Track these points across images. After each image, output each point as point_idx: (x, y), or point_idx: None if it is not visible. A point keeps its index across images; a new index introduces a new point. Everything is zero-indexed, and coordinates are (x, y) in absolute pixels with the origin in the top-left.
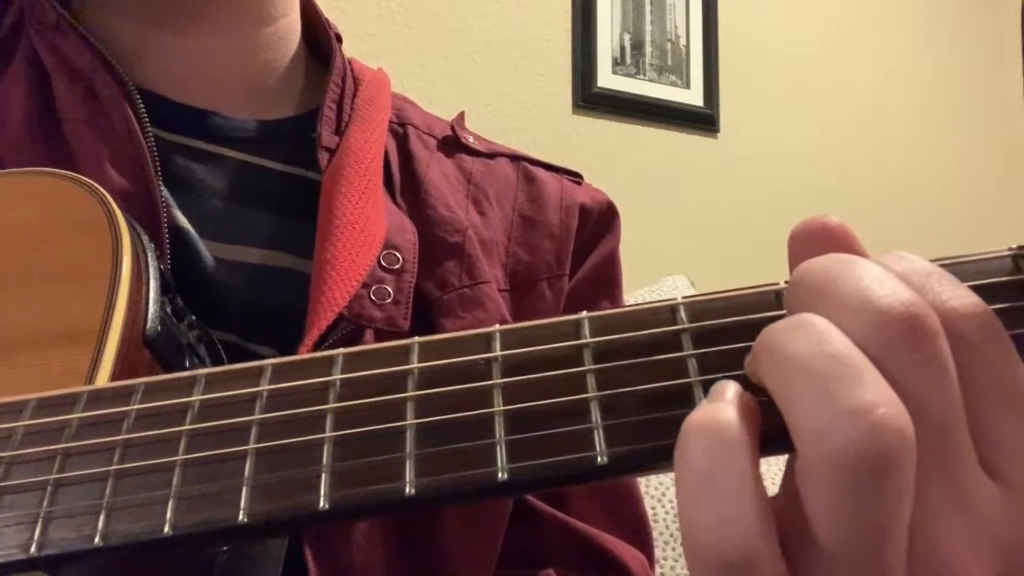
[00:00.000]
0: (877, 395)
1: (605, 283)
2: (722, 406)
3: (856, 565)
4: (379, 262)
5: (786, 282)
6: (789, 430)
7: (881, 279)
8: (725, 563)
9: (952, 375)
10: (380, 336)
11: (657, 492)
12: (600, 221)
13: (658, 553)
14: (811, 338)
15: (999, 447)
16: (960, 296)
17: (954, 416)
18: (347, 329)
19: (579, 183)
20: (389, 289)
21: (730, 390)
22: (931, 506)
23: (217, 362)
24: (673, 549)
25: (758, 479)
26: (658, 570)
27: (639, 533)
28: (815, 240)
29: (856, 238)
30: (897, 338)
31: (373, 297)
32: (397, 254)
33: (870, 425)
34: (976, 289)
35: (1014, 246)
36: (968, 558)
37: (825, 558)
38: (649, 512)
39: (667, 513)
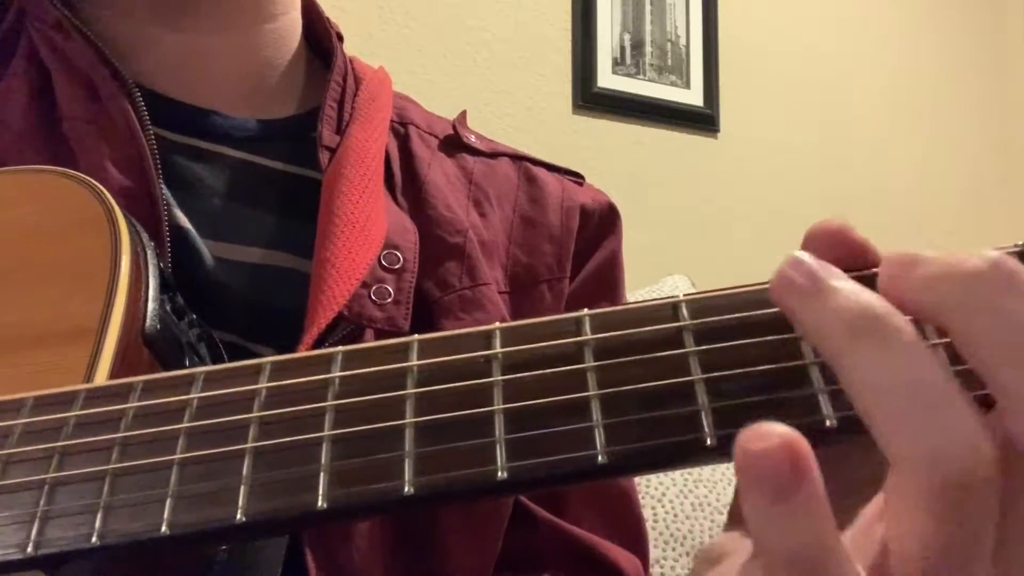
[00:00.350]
0: (978, 420)
1: (606, 285)
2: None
3: (950, 570)
4: (379, 261)
5: None
6: (883, 447)
7: None
8: None
9: None
10: (380, 336)
11: (657, 492)
12: (601, 223)
13: (658, 553)
14: (913, 363)
15: None
16: None
17: None
18: (347, 329)
19: (580, 184)
20: (389, 289)
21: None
22: (1020, 517)
23: (217, 361)
24: (673, 549)
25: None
26: (658, 570)
27: (635, 537)
28: (833, 240)
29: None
30: None
31: (373, 297)
32: (398, 254)
33: (977, 449)
34: None
35: (1019, 243)
36: None
37: (917, 567)
38: (648, 512)
39: (667, 513)
